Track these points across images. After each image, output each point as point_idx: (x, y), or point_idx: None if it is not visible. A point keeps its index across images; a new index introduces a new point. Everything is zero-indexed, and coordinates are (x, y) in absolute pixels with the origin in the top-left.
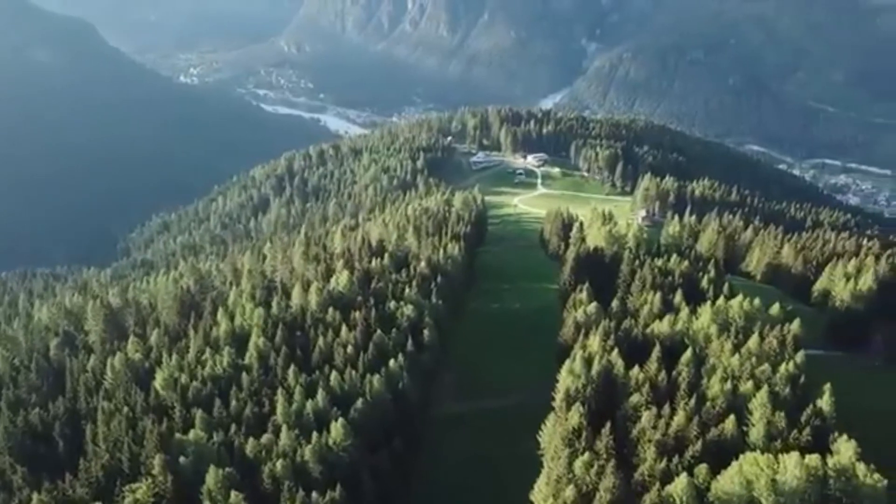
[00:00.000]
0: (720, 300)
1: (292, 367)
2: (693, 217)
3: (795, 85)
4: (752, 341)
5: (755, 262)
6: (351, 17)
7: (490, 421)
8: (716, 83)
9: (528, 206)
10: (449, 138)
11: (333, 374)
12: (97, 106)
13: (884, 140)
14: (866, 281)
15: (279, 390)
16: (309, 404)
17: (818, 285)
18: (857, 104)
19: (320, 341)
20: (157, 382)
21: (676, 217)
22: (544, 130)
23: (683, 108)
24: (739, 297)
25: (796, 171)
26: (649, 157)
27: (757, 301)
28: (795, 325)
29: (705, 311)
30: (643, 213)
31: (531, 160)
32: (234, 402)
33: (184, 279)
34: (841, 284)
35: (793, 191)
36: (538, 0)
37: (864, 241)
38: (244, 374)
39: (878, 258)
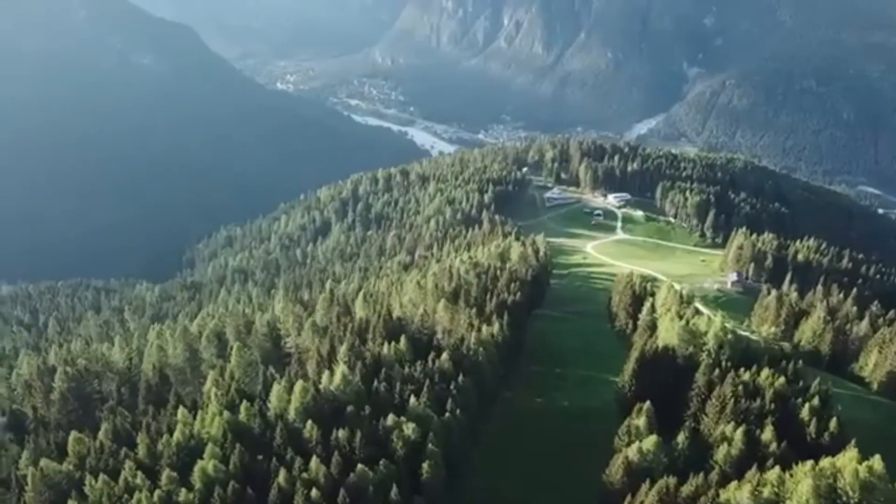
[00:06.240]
0: (825, 461)
1: None
2: (794, 290)
3: None
4: None
5: (872, 366)
6: (446, 31)
7: None
8: (827, 116)
9: (602, 254)
10: (524, 169)
11: None
12: (190, 112)
13: None
14: None
15: None
16: None
17: None
18: None
19: (282, 475)
20: None
21: (773, 292)
22: (629, 167)
23: (789, 141)
24: (853, 457)
25: None
26: (746, 206)
27: (877, 463)
28: None
29: (804, 475)
30: (734, 276)
31: (612, 200)
32: None
33: (171, 344)
34: None
35: None
36: (638, 20)
37: None
38: None
39: None
